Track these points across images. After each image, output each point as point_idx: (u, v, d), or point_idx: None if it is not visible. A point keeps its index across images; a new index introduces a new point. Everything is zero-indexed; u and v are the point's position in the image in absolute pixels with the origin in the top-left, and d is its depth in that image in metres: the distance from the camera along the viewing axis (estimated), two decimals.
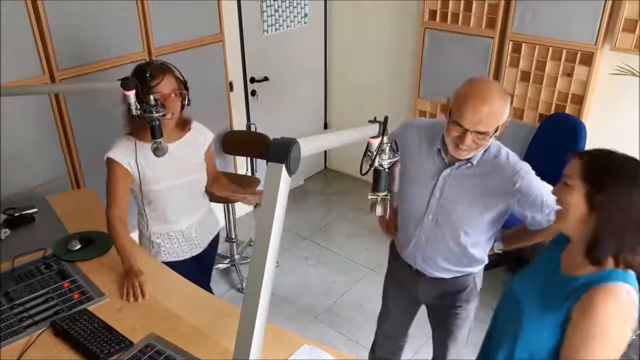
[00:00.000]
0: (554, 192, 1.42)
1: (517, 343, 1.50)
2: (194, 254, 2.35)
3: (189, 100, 2.07)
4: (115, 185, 2.09)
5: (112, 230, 2.06)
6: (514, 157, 1.78)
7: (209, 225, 2.41)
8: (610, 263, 1.34)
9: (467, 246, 1.89)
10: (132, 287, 1.91)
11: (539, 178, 1.76)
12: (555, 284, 1.44)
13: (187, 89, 2.07)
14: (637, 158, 1.34)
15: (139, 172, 2.09)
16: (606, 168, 1.30)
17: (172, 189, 2.17)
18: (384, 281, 2.31)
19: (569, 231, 1.42)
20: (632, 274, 1.34)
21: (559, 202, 1.39)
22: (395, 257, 2.16)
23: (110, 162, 2.08)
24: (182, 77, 2.07)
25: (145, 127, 1.98)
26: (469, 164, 1.77)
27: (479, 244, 1.92)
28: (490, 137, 1.68)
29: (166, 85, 1.99)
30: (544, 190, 1.73)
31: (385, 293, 2.31)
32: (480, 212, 1.81)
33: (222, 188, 2.42)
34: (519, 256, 3.37)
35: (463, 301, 2.04)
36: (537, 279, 1.54)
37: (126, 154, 2.07)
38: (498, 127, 1.66)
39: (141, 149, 2.07)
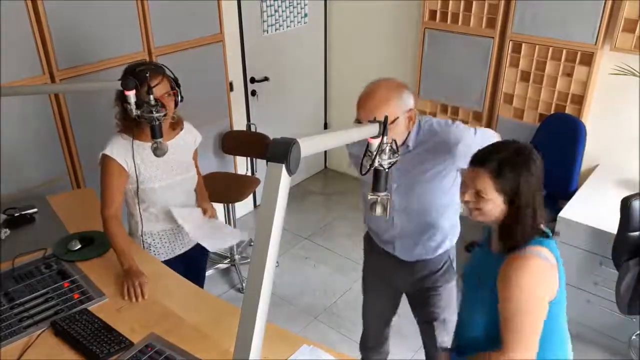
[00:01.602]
0: (467, 199, 1.51)
1: (463, 323, 1.64)
2: (183, 251, 2.35)
3: (181, 97, 2.08)
4: (111, 184, 2.08)
5: (108, 232, 2.06)
6: (444, 123, 1.89)
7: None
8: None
9: (437, 221, 1.97)
10: (133, 287, 1.91)
11: (472, 130, 1.88)
12: (486, 263, 1.55)
13: (178, 86, 2.07)
14: (524, 142, 1.49)
15: (135, 171, 2.09)
16: (515, 171, 1.43)
17: (166, 188, 2.17)
18: (362, 273, 2.36)
19: (490, 222, 1.54)
20: (547, 238, 1.46)
21: (475, 207, 1.50)
22: (371, 248, 2.22)
23: (106, 160, 2.07)
24: (173, 75, 2.08)
25: (139, 126, 1.98)
26: (408, 147, 1.86)
27: (446, 216, 1.99)
28: (392, 127, 1.73)
29: (161, 87, 2.00)
30: (479, 139, 1.84)
31: (364, 284, 2.37)
32: (436, 185, 1.90)
33: (201, 196, 2.39)
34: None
35: (442, 281, 2.09)
36: (475, 259, 1.68)
37: (123, 152, 2.07)
38: (398, 117, 1.75)
39: (137, 147, 2.07)
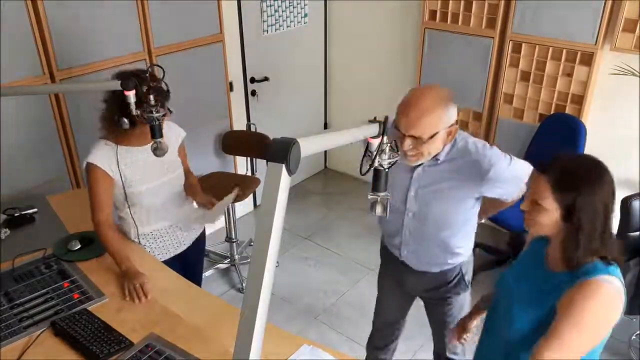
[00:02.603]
0: (523, 209, 1.44)
1: (506, 338, 1.53)
2: (178, 252, 2.35)
3: (170, 110, 2.06)
4: (99, 191, 2.07)
5: (102, 237, 2.06)
6: (481, 146, 1.81)
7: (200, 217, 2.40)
8: (591, 258, 1.38)
9: (449, 239, 1.93)
10: (134, 289, 1.91)
11: (508, 158, 1.80)
12: (540, 279, 1.48)
13: (168, 92, 2.05)
14: (598, 160, 1.38)
15: (120, 176, 2.08)
16: (576, 185, 1.33)
17: (154, 189, 2.17)
18: (379, 272, 2.35)
19: (544, 234, 1.47)
20: (614, 266, 1.38)
21: (529, 217, 1.43)
22: (385, 251, 2.21)
23: (91, 168, 2.06)
24: (167, 86, 2.03)
25: (123, 130, 1.97)
26: (437, 160, 1.81)
27: (460, 235, 1.95)
28: (431, 142, 1.70)
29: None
30: (513, 170, 1.80)
31: (379, 283, 2.36)
32: (455, 205, 1.86)
33: (191, 191, 2.37)
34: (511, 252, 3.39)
35: (453, 293, 2.08)
36: (523, 274, 1.58)
37: (106, 158, 2.06)
38: (438, 132, 1.69)
39: (120, 152, 2.07)
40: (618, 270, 1.38)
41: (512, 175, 1.81)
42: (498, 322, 1.62)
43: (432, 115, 1.67)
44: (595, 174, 1.35)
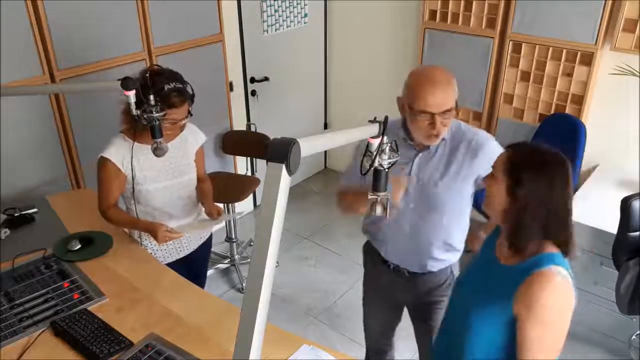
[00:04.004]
0: (483, 180, 1.50)
1: (465, 343, 1.51)
2: (181, 255, 2.35)
3: (191, 113, 2.10)
4: (109, 185, 2.10)
5: (111, 218, 2.15)
6: (473, 127, 1.88)
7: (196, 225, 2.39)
8: (539, 249, 1.39)
9: (449, 228, 1.93)
10: (165, 235, 2.07)
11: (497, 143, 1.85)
12: (493, 276, 1.49)
13: (193, 96, 2.08)
14: (560, 153, 1.40)
15: (132, 173, 2.09)
16: (526, 163, 1.37)
17: (163, 190, 2.17)
18: (363, 287, 2.29)
19: (495, 219, 1.48)
20: (558, 254, 1.38)
21: (487, 191, 1.46)
22: (372, 262, 2.15)
23: (104, 162, 2.08)
24: (192, 90, 2.07)
25: (141, 126, 1.98)
26: (443, 140, 1.83)
27: (457, 225, 1.96)
28: (452, 112, 1.75)
29: (182, 111, 2.03)
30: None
31: (365, 299, 2.30)
32: (458, 187, 1.86)
33: (203, 195, 2.36)
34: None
35: (444, 295, 2.06)
36: (477, 274, 1.59)
37: (121, 153, 2.08)
38: (456, 102, 1.74)
39: (136, 149, 2.08)
40: (564, 260, 1.39)
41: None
42: (454, 324, 1.61)
43: (450, 85, 1.71)
44: (550, 158, 1.38)
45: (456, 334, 1.57)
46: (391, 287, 2.13)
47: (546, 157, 1.38)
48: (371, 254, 2.15)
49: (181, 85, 2.01)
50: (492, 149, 1.80)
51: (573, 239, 1.40)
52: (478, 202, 1.91)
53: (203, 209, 2.37)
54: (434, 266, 2.00)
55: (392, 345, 2.44)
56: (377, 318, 2.32)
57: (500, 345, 1.45)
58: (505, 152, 1.43)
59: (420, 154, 1.85)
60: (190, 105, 2.07)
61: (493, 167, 1.44)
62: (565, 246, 1.39)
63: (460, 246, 2.02)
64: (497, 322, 1.43)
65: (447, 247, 1.98)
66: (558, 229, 1.38)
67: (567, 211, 1.39)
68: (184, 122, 2.08)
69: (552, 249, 1.39)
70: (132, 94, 1.85)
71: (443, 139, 1.82)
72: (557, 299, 1.35)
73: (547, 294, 1.33)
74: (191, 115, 2.09)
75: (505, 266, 1.46)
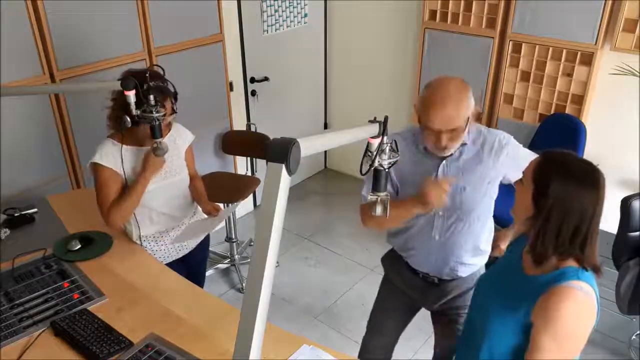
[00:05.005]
0: (514, 184, 1.50)
1: (482, 343, 1.51)
2: (180, 255, 2.34)
3: (175, 110, 2.09)
4: (108, 190, 2.08)
5: (115, 211, 2.07)
6: (492, 129, 1.89)
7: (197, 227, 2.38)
8: (563, 263, 1.36)
9: (478, 233, 1.93)
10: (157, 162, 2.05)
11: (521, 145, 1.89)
12: (516, 284, 1.47)
13: (176, 99, 2.07)
14: (592, 162, 1.36)
15: (124, 175, 2.09)
16: (553, 173, 1.33)
17: (158, 191, 2.16)
18: (380, 290, 2.28)
19: (521, 226, 1.48)
20: (587, 271, 1.35)
21: (515, 196, 1.46)
22: (396, 269, 2.13)
23: (97, 168, 2.07)
24: (174, 88, 2.06)
25: (130, 130, 1.98)
26: (465, 144, 1.83)
27: (486, 228, 1.96)
28: (464, 129, 1.75)
29: (166, 108, 2.01)
30: (525, 151, 1.87)
31: (380, 303, 2.28)
32: (485, 190, 1.86)
33: (198, 195, 2.37)
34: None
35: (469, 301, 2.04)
36: (499, 278, 1.57)
37: (112, 157, 2.07)
38: (468, 117, 1.73)
39: (126, 152, 2.08)
40: (590, 276, 1.35)
41: (527, 153, 1.84)
42: (474, 336, 1.59)
43: (462, 104, 1.71)
44: (581, 172, 1.32)
45: (474, 334, 1.57)
46: (417, 294, 2.12)
47: (577, 170, 1.33)
48: (395, 262, 2.13)
49: (162, 84, 2.01)
50: (514, 148, 1.84)
51: (596, 256, 1.35)
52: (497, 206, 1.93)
53: (200, 208, 2.37)
54: (464, 271, 2.00)
55: (393, 349, 2.41)
56: (389, 322, 2.28)
57: (517, 348, 1.43)
58: (536, 159, 1.40)
59: (444, 162, 1.85)
60: (173, 103, 2.06)
61: (523, 172, 1.42)
62: (587, 263, 1.34)
63: (488, 248, 2.02)
64: (515, 326, 1.42)
65: (476, 252, 1.98)
66: (583, 245, 1.33)
67: (595, 229, 1.34)
68: (169, 120, 2.07)
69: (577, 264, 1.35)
70: (132, 93, 1.85)
71: (464, 144, 1.82)
72: (576, 315, 1.32)
73: (566, 308, 1.30)
74: (175, 112, 2.07)
75: (528, 276, 1.44)
